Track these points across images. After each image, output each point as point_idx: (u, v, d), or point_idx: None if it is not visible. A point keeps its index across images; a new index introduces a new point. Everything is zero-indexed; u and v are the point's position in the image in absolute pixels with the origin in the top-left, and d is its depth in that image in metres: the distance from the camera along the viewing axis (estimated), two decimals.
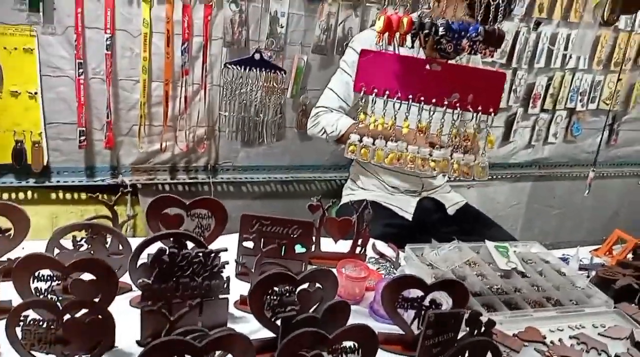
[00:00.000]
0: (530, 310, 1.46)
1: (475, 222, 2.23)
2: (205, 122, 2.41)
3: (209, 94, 2.35)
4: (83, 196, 2.40)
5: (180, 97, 2.31)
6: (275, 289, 1.14)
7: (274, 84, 1.37)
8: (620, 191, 3.57)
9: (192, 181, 2.55)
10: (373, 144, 1.28)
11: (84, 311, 1.05)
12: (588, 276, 1.73)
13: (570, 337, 1.39)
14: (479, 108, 1.29)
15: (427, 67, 1.23)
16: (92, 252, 1.31)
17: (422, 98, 1.24)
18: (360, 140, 1.30)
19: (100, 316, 1.06)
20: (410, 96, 1.19)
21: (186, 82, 2.29)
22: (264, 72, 1.37)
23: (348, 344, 1.05)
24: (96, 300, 1.08)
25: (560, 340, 1.37)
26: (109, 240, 1.33)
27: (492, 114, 1.30)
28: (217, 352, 1.03)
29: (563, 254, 1.91)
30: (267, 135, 1.52)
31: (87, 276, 1.08)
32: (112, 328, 1.08)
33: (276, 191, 2.79)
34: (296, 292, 1.15)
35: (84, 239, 1.31)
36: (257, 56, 1.36)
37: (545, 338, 1.36)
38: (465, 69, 1.46)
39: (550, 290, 1.59)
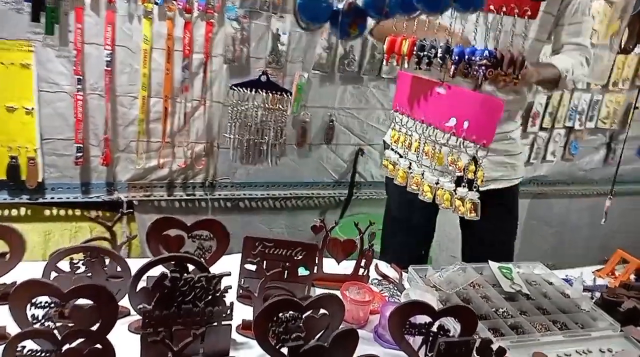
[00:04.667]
0: (537, 334, 1.43)
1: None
2: (204, 139, 2.39)
3: (209, 110, 2.34)
4: (77, 212, 2.37)
5: (180, 114, 2.29)
6: (280, 315, 1.11)
7: (280, 106, 1.35)
8: (617, 209, 3.57)
9: (189, 197, 2.52)
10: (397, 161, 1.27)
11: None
12: (592, 297, 1.72)
13: None
14: (473, 137, 1.23)
15: (437, 90, 1.21)
16: (90, 274, 1.28)
17: (430, 120, 1.23)
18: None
19: (99, 346, 1.02)
20: (423, 117, 1.17)
21: (186, 99, 2.27)
22: (270, 94, 1.34)
23: None
24: (96, 326, 1.04)
25: None
26: (107, 262, 1.30)
27: (484, 147, 1.21)
28: None
29: (566, 275, 1.89)
30: (271, 157, 1.50)
31: (86, 300, 1.05)
32: None
33: (274, 207, 2.76)
34: (302, 319, 1.12)
35: (81, 262, 1.27)
36: (263, 78, 1.34)
37: None
38: (464, 94, 1.37)
39: (556, 313, 1.56)
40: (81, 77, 2.11)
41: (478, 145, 1.23)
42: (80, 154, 2.20)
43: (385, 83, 2.64)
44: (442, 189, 1.33)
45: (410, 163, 1.27)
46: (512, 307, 1.57)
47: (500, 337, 1.41)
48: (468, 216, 1.31)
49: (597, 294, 1.72)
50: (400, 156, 1.32)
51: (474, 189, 1.30)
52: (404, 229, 2.06)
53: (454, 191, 1.31)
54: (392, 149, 1.36)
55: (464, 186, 1.30)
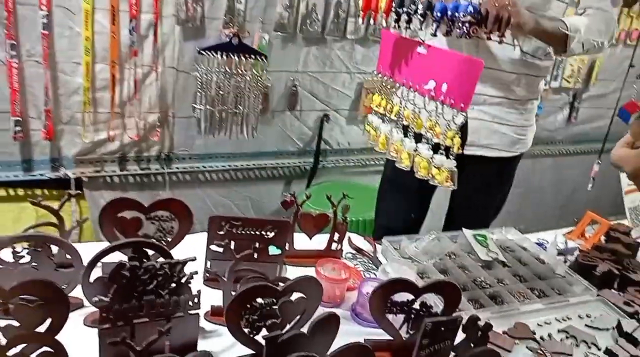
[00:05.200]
0: (517, 304, 1.41)
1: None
2: (157, 108, 2.22)
3: (161, 77, 2.16)
4: (20, 192, 2.18)
5: (129, 81, 2.11)
6: (254, 302, 1.02)
7: (254, 71, 1.22)
8: (579, 168, 3.62)
9: (144, 171, 2.36)
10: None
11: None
12: (565, 261, 1.71)
13: (559, 331, 1.34)
14: (452, 100, 1.14)
15: (418, 50, 1.11)
16: (35, 264, 1.14)
17: (410, 83, 1.13)
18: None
19: (50, 349, 0.90)
20: (404, 80, 1.07)
21: (135, 64, 2.09)
22: (243, 59, 1.21)
23: None
24: (46, 325, 0.92)
25: (549, 335, 1.32)
26: (54, 250, 1.16)
27: (462, 111, 1.13)
28: None
29: (538, 239, 1.88)
30: (247, 127, 1.37)
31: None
32: None
33: (237, 178, 2.63)
34: (278, 305, 1.03)
35: (25, 251, 1.13)
36: (235, 41, 1.19)
37: (534, 334, 1.31)
38: (444, 54, 1.28)
39: (533, 280, 1.55)
40: (15, 43, 1.90)
41: (455, 109, 1.14)
42: (19, 128, 2.00)
43: (351, 44, 2.51)
44: (420, 156, 1.25)
45: (392, 128, 1.18)
46: (490, 276, 1.54)
47: (481, 308, 1.38)
48: (443, 185, 1.23)
49: (570, 257, 1.71)
50: (383, 121, 1.22)
51: (451, 157, 1.22)
52: (398, 192, 1.99)
53: (432, 158, 1.23)
54: (375, 113, 1.25)
55: (441, 153, 1.22)
